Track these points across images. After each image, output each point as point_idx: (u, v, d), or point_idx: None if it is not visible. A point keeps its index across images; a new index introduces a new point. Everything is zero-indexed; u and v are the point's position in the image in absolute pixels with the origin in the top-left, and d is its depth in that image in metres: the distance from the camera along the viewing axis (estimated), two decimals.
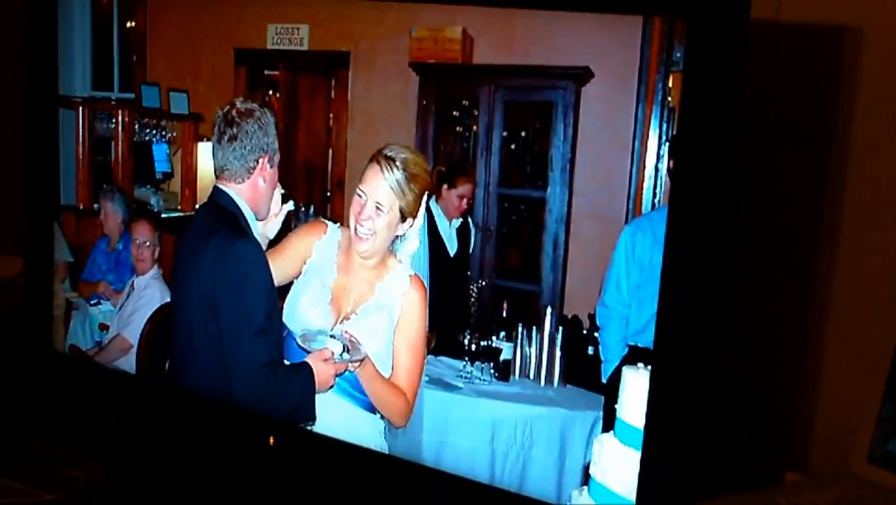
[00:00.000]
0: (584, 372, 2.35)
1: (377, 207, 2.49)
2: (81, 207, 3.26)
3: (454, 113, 2.59)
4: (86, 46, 3.26)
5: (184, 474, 3.05)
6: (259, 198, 2.62)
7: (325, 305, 2.61)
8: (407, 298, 2.55)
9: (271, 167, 2.60)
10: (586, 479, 2.26)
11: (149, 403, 3.12)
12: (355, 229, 2.54)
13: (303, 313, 2.62)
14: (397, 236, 2.54)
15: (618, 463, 2.14)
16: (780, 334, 2.65)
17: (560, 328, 2.37)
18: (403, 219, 2.51)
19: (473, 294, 2.53)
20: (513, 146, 2.53)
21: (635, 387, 2.12)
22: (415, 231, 2.53)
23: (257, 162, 2.58)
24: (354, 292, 2.62)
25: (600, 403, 2.29)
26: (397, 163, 2.47)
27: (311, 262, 2.65)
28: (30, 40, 3.04)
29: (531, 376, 2.42)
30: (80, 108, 3.18)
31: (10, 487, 3.09)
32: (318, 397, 2.57)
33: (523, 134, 2.52)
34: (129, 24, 3.28)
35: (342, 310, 2.61)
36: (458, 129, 2.58)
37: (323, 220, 2.71)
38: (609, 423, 2.22)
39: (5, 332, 3.36)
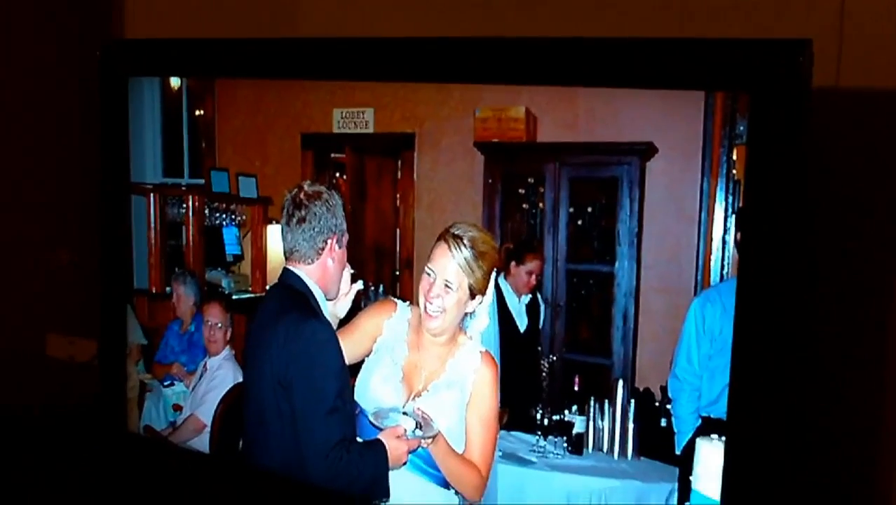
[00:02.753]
0: (657, 444, 2.34)
1: (446, 285, 2.51)
2: (154, 291, 3.32)
3: (520, 190, 2.62)
4: (156, 134, 3.34)
5: None
6: (328, 278, 2.66)
7: (396, 382, 2.62)
8: (478, 375, 2.55)
9: (340, 248, 2.64)
10: None
11: (223, 483, 3.14)
12: (425, 307, 2.55)
13: (374, 391, 2.65)
14: (467, 313, 2.55)
15: None
16: (855, 404, 2.63)
17: (632, 401, 2.37)
18: (473, 296, 2.52)
19: (544, 369, 2.55)
20: (579, 222, 2.55)
21: (710, 458, 2.12)
22: (484, 308, 2.55)
23: (326, 243, 2.62)
24: (426, 369, 2.63)
25: (675, 474, 2.28)
26: (465, 241, 2.48)
27: (382, 340, 2.67)
28: (102, 130, 3.12)
29: (604, 449, 2.42)
30: (152, 195, 3.25)
31: None
32: (391, 474, 2.59)
33: (589, 209, 2.54)
34: (197, 112, 3.36)
35: (413, 387, 2.62)
36: (524, 205, 2.61)
37: (392, 298, 2.73)
38: (684, 495, 2.22)
39: (82, 414, 3.41)
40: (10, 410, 3.48)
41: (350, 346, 2.64)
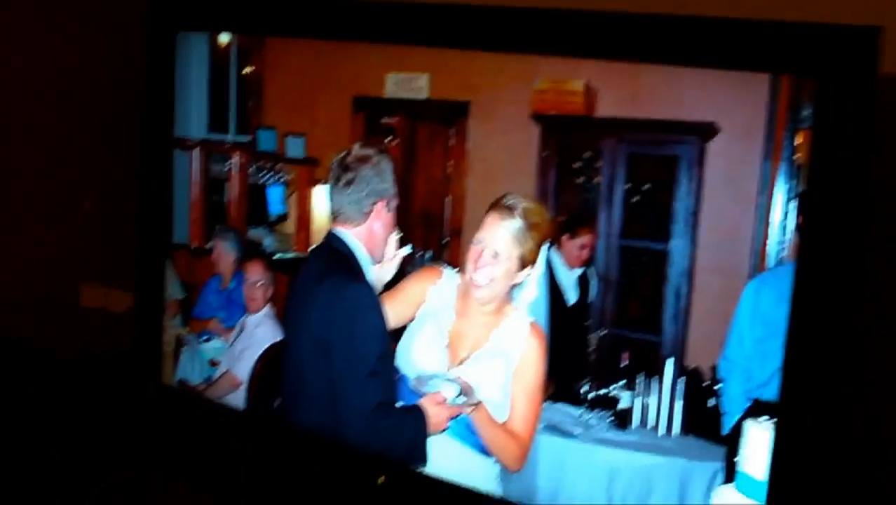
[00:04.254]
0: (704, 423, 2.35)
1: (495, 255, 2.51)
2: (194, 246, 3.32)
3: (575, 164, 2.60)
4: (203, 90, 3.32)
5: None
6: (374, 241, 2.65)
7: (440, 349, 2.63)
8: (525, 345, 2.55)
9: (388, 212, 2.64)
10: None
11: (257, 440, 3.16)
12: (473, 276, 2.55)
13: (417, 357, 2.65)
14: (515, 284, 2.55)
15: None
16: None
17: (681, 379, 2.37)
18: (522, 267, 2.52)
19: (593, 343, 2.55)
20: (635, 198, 2.54)
21: (758, 440, 2.13)
22: (533, 279, 2.55)
23: (373, 206, 2.61)
24: (470, 338, 2.63)
25: (721, 454, 2.29)
26: (517, 212, 2.48)
27: (426, 307, 2.68)
28: (148, 82, 3.11)
29: (650, 426, 2.43)
30: (196, 150, 3.25)
31: None
32: (430, 440, 2.60)
33: (646, 186, 2.53)
34: (246, 70, 3.34)
35: (457, 354, 2.62)
36: (579, 179, 2.60)
37: (439, 265, 2.74)
38: (730, 475, 2.23)
39: (116, 365, 3.42)
40: (47, 354, 3.48)
41: (393, 310, 2.64)
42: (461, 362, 2.61)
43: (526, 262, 2.52)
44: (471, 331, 2.63)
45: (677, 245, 2.41)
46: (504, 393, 2.56)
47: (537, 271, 2.53)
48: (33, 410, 3.52)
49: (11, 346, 3.55)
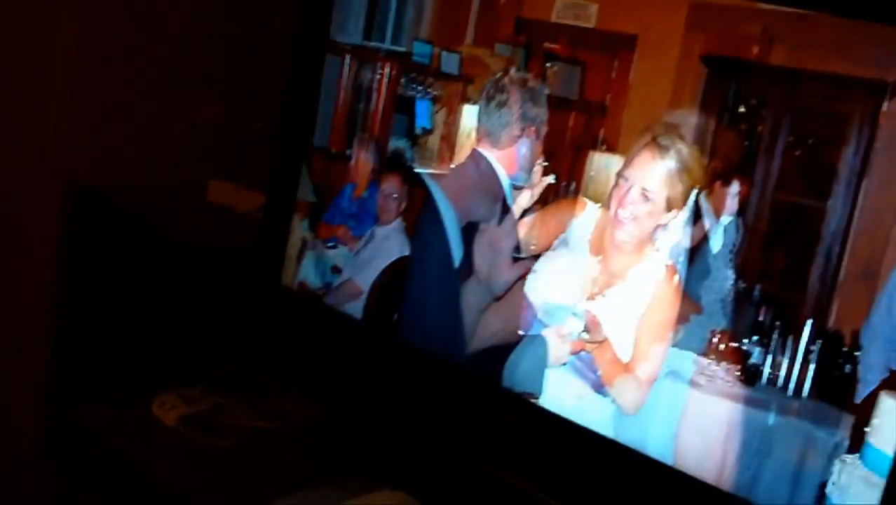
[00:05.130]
0: (835, 389, 2.30)
1: (643, 194, 2.47)
2: (333, 151, 3.33)
3: (740, 110, 2.55)
4: None
5: (396, 424, 3.09)
6: (518, 167, 2.64)
7: (572, 281, 2.61)
8: (659, 288, 2.52)
9: (537, 139, 2.62)
10: (820, 498, 2.23)
11: (372, 351, 3.18)
12: (616, 213, 2.51)
13: (548, 287, 2.64)
14: (659, 225, 2.51)
15: (859, 487, 2.10)
16: None
17: (818, 341, 2.32)
18: (668, 209, 2.48)
19: (730, 294, 2.50)
20: (797, 152, 2.48)
21: (892, 412, 2.08)
22: (678, 223, 2.50)
23: (522, 131, 2.60)
24: (605, 274, 2.60)
25: (849, 423, 2.24)
26: (672, 152, 2.43)
27: (563, 237, 2.66)
28: None
29: (778, 385, 2.38)
30: (348, 56, 3.25)
31: (230, 408, 3.21)
32: (549, 371, 2.59)
33: (810, 142, 2.46)
34: None
35: (589, 289, 2.60)
36: (741, 126, 2.54)
37: (583, 197, 2.70)
38: (856, 445, 2.18)
39: (238, 263, 3.46)
40: (173, 242, 3.54)
41: (531, 237, 2.63)
42: (592, 298, 2.59)
43: (673, 204, 2.47)
44: (606, 267, 2.60)
45: (835, 205, 2.34)
46: (631, 333, 2.54)
47: (683, 215, 2.48)
48: (153, 291, 3.59)
49: (138, 225, 3.61)
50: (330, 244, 3.35)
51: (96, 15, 3.74)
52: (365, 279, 3.19)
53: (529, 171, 2.67)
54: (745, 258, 2.45)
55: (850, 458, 2.16)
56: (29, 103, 3.71)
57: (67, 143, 3.79)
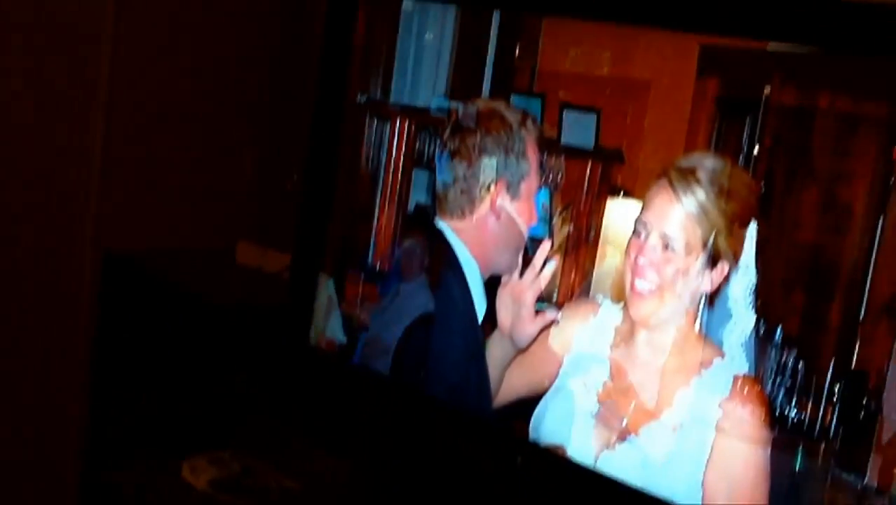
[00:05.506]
0: (861, 430, 2.23)
1: (661, 240, 2.17)
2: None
3: (754, 151, 2.52)
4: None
5: (423, 480, 3.05)
6: (537, 217, 2.62)
7: (595, 331, 2.45)
8: (681, 334, 2.30)
9: (555, 189, 2.60)
10: None
11: (398, 407, 3.15)
12: (636, 260, 2.23)
13: (571, 338, 2.51)
14: (678, 270, 2.19)
15: None
16: None
17: (842, 381, 2.26)
18: (688, 254, 2.15)
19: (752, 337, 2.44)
20: (813, 191, 2.43)
21: None
22: (697, 267, 2.17)
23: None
24: (627, 321, 2.37)
25: (877, 464, 2.19)
26: (688, 196, 2.09)
27: (585, 286, 2.55)
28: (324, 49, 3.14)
29: (804, 427, 2.32)
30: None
31: (258, 470, 3.21)
32: (574, 423, 2.54)
33: (826, 180, 2.42)
34: None
35: (612, 337, 2.42)
36: (756, 167, 2.50)
37: (602, 245, 2.57)
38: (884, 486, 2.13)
39: (267, 323, 3.47)
40: (204, 300, 3.56)
41: (551, 288, 2.54)
42: (616, 345, 2.39)
43: (692, 249, 2.11)
44: (628, 315, 2.35)
45: (853, 242, 2.28)
46: (655, 379, 2.34)
47: (702, 259, 2.13)
48: (184, 353, 3.60)
49: (169, 289, 3.64)
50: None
51: (128, 82, 3.81)
52: (391, 336, 3.17)
53: (549, 221, 2.64)
54: (766, 300, 2.41)
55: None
56: (64, 173, 3.79)
57: (100, 210, 3.85)
